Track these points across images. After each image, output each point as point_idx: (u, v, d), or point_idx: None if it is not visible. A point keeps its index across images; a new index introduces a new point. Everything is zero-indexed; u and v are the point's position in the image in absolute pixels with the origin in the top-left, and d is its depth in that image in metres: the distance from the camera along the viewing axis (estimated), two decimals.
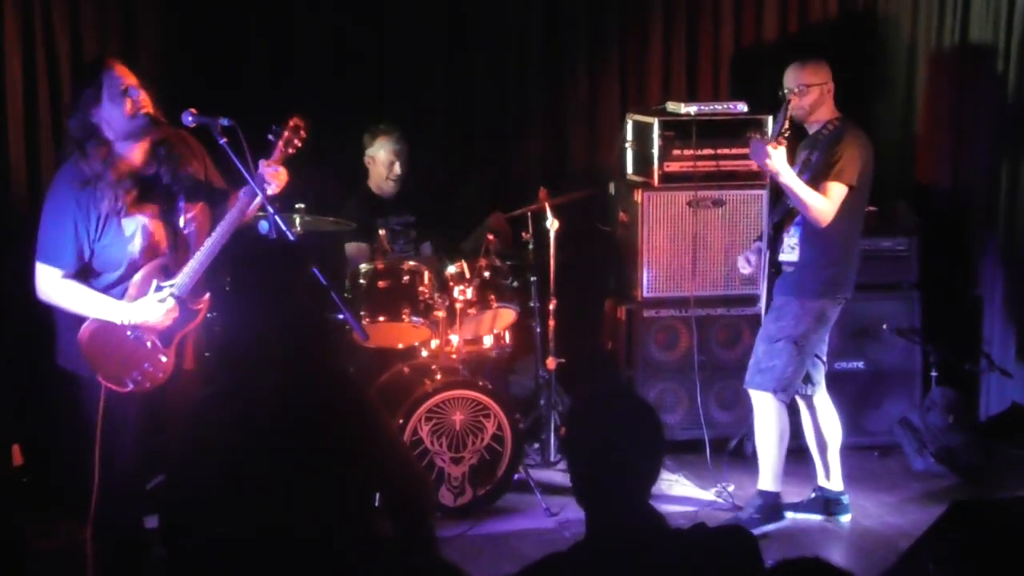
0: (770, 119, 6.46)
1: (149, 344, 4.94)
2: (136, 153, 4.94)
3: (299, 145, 5.15)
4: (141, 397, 4.93)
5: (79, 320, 4.90)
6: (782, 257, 6.10)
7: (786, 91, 6.03)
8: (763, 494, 6.13)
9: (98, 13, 6.83)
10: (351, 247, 6.85)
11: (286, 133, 5.12)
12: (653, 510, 3.13)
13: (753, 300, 6.73)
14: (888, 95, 7.97)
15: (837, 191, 5.90)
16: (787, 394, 6.07)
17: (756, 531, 3.26)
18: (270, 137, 5.12)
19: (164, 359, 4.95)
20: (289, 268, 3.76)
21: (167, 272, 4.95)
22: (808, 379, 6.19)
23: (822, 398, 6.25)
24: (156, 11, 6.99)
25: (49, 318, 5.05)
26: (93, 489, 4.89)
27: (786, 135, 5.89)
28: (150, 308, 4.89)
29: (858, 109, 7.96)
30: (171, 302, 4.92)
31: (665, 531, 3.16)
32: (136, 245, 4.91)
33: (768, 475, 6.12)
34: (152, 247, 4.94)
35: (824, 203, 5.90)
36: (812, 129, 6.12)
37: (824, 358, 6.22)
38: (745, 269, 6.30)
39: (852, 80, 8.01)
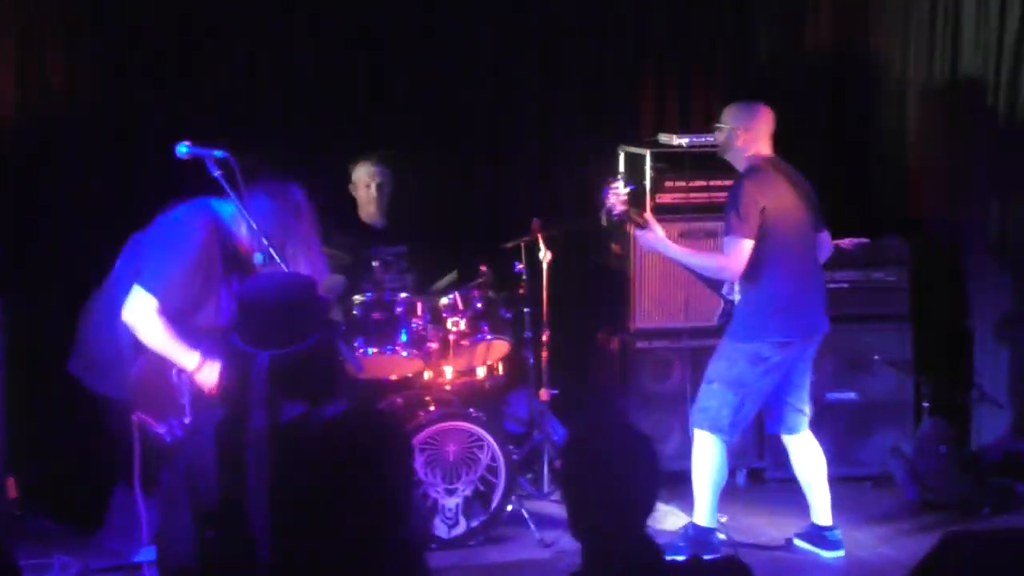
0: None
1: (182, 401, 5.06)
2: None
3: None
4: None
5: (138, 353, 5.07)
6: (734, 297, 6.10)
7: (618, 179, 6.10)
8: (695, 527, 6.11)
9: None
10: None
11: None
12: (650, 541, 3.13)
13: None
14: (879, 127, 8.00)
15: (732, 245, 5.87)
16: (728, 435, 6.02)
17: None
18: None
19: (187, 421, 5.03)
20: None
21: None
22: (782, 423, 6.17)
23: (801, 441, 6.18)
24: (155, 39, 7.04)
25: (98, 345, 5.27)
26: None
27: (623, 214, 6.01)
28: (214, 370, 4.94)
29: (850, 140, 8.06)
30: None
31: (661, 563, 3.16)
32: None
33: (702, 510, 6.10)
34: None
35: (717, 260, 5.98)
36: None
37: (798, 403, 6.13)
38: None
39: (844, 112, 8.08)
